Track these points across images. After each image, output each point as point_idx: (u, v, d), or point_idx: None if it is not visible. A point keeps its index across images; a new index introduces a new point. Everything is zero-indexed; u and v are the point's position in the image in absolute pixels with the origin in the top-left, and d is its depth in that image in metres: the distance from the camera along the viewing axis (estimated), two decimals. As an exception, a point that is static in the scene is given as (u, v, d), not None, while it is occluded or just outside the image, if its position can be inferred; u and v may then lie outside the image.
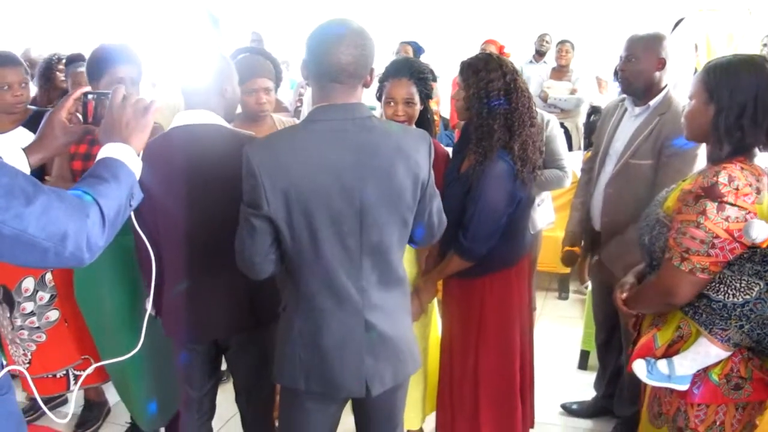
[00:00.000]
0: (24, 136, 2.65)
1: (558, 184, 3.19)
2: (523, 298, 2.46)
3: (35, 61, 4.24)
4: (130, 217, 1.43)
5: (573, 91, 5.94)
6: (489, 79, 2.16)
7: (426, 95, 2.48)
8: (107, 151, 1.36)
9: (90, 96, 1.54)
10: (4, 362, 1.36)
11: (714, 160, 1.72)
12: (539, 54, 6.64)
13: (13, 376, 2.74)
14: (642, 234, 1.90)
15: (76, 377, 2.88)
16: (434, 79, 5.98)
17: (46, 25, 7.22)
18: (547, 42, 6.59)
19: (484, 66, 2.19)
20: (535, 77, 6.19)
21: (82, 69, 2.74)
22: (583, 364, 3.61)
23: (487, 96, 2.17)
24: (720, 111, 1.66)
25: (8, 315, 2.79)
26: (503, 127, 2.17)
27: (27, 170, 1.47)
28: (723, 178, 1.61)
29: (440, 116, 6.19)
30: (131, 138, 1.40)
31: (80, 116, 1.54)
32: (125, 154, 1.36)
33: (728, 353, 1.70)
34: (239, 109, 2.57)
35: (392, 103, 2.42)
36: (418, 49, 6.35)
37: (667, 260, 1.72)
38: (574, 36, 6.39)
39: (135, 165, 1.38)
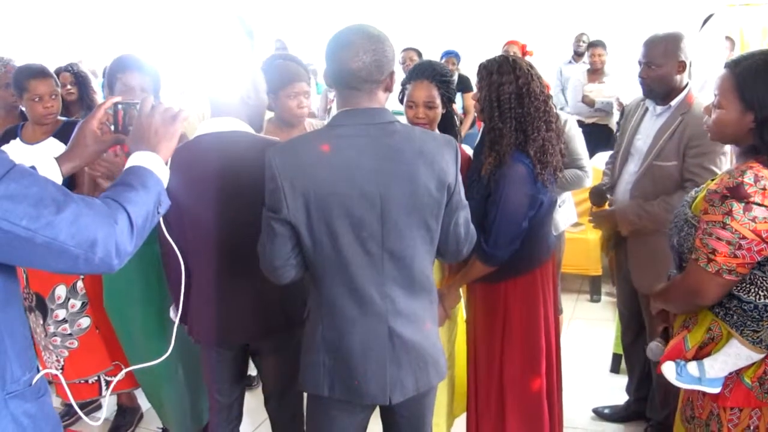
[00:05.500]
0: (54, 146, 2.71)
1: (578, 184, 3.17)
2: (548, 301, 2.43)
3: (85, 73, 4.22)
4: (159, 226, 1.46)
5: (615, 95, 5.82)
6: (500, 83, 2.15)
7: (448, 98, 2.46)
8: (135, 159, 1.40)
9: (120, 105, 1.59)
10: (40, 366, 1.40)
11: (746, 159, 1.67)
12: (577, 54, 6.57)
13: (50, 382, 2.80)
14: (671, 235, 1.86)
15: (108, 383, 2.93)
16: (470, 89, 5.95)
17: (82, 36, 7.38)
18: (583, 42, 6.50)
19: (497, 69, 2.18)
20: (573, 79, 6.13)
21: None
22: (615, 368, 3.54)
23: (498, 99, 2.16)
24: (764, 122, 1.60)
25: (41, 322, 2.85)
26: (516, 131, 2.15)
27: (59, 179, 1.52)
28: (749, 177, 1.55)
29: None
30: (159, 146, 1.44)
31: (111, 126, 1.59)
32: (153, 163, 1.40)
33: (761, 355, 1.65)
34: (269, 114, 2.57)
35: (413, 106, 2.41)
36: (457, 58, 6.34)
37: (693, 261, 1.67)
38: (606, 34, 6.30)
39: (162, 173, 1.41)
